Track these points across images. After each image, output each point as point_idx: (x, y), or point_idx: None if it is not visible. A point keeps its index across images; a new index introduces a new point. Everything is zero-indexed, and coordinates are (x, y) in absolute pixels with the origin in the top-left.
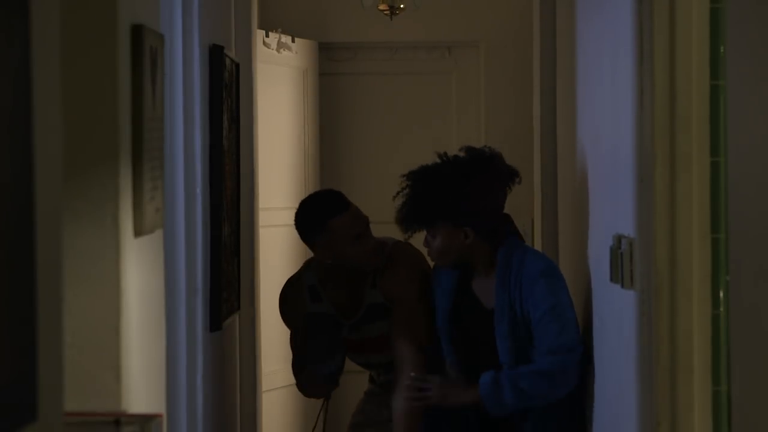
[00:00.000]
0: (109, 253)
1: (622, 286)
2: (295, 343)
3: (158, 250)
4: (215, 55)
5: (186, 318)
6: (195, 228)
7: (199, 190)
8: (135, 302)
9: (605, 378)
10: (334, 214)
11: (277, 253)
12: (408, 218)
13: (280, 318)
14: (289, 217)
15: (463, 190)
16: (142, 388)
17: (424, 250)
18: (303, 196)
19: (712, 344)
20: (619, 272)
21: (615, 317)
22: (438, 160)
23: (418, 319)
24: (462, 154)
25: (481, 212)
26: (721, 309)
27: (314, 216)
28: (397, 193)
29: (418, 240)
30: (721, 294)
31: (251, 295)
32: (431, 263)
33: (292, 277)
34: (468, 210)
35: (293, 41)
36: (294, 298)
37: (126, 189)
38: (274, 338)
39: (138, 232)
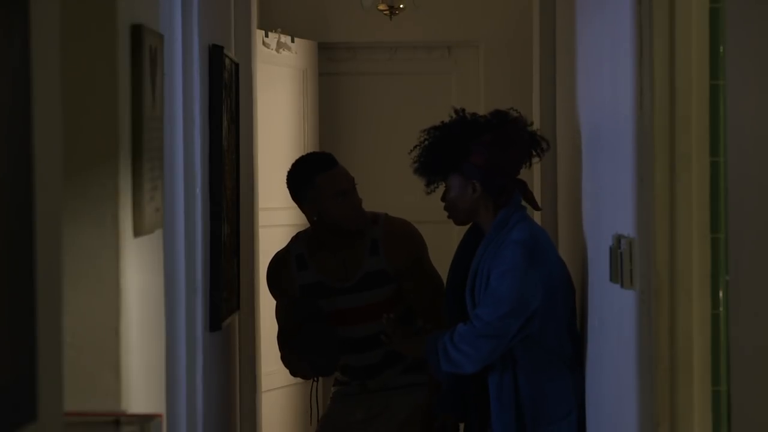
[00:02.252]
0: (108, 252)
1: (622, 286)
2: (280, 315)
3: (158, 250)
4: (215, 55)
5: (186, 318)
6: (195, 228)
7: (199, 190)
8: (135, 302)
9: (605, 378)
10: (321, 170)
11: None
12: (422, 167)
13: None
14: (289, 217)
15: (474, 141)
16: (141, 388)
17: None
18: None
19: (712, 344)
20: (618, 272)
21: (615, 317)
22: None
23: (435, 283)
24: (486, 115)
25: (490, 166)
26: (721, 309)
27: (303, 172)
28: (415, 147)
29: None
30: (721, 294)
31: (251, 294)
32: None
33: (279, 251)
34: (476, 162)
35: (293, 41)
36: (281, 269)
37: (126, 189)
38: (274, 338)
39: (138, 232)
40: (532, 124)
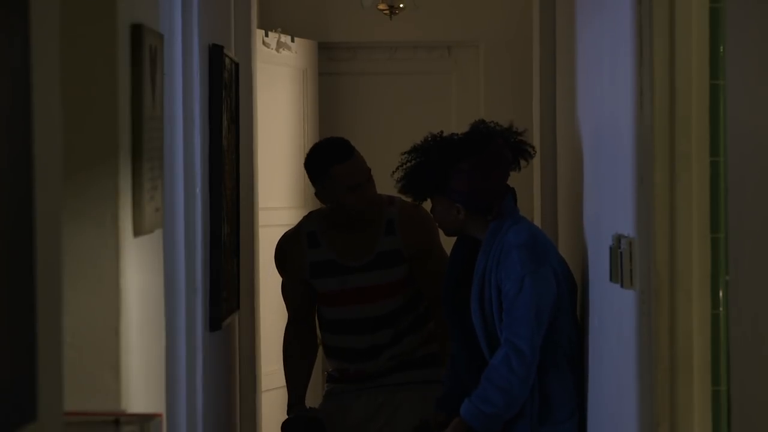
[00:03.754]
0: (108, 252)
1: (622, 285)
2: (288, 296)
3: (158, 249)
4: (215, 55)
5: (186, 318)
6: (195, 228)
7: (198, 190)
8: (135, 302)
9: (605, 378)
10: (337, 161)
11: None
12: (405, 189)
13: (279, 317)
14: (289, 217)
15: (452, 169)
16: (141, 388)
17: None
18: (303, 196)
19: (712, 344)
20: (618, 272)
21: (614, 317)
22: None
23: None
24: (459, 134)
25: (471, 192)
26: (721, 309)
27: (319, 161)
28: (397, 168)
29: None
30: (721, 294)
31: (251, 294)
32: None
33: (289, 229)
34: (457, 189)
35: (293, 41)
36: (291, 246)
37: (125, 188)
38: (274, 338)
39: (137, 232)
40: (520, 132)
